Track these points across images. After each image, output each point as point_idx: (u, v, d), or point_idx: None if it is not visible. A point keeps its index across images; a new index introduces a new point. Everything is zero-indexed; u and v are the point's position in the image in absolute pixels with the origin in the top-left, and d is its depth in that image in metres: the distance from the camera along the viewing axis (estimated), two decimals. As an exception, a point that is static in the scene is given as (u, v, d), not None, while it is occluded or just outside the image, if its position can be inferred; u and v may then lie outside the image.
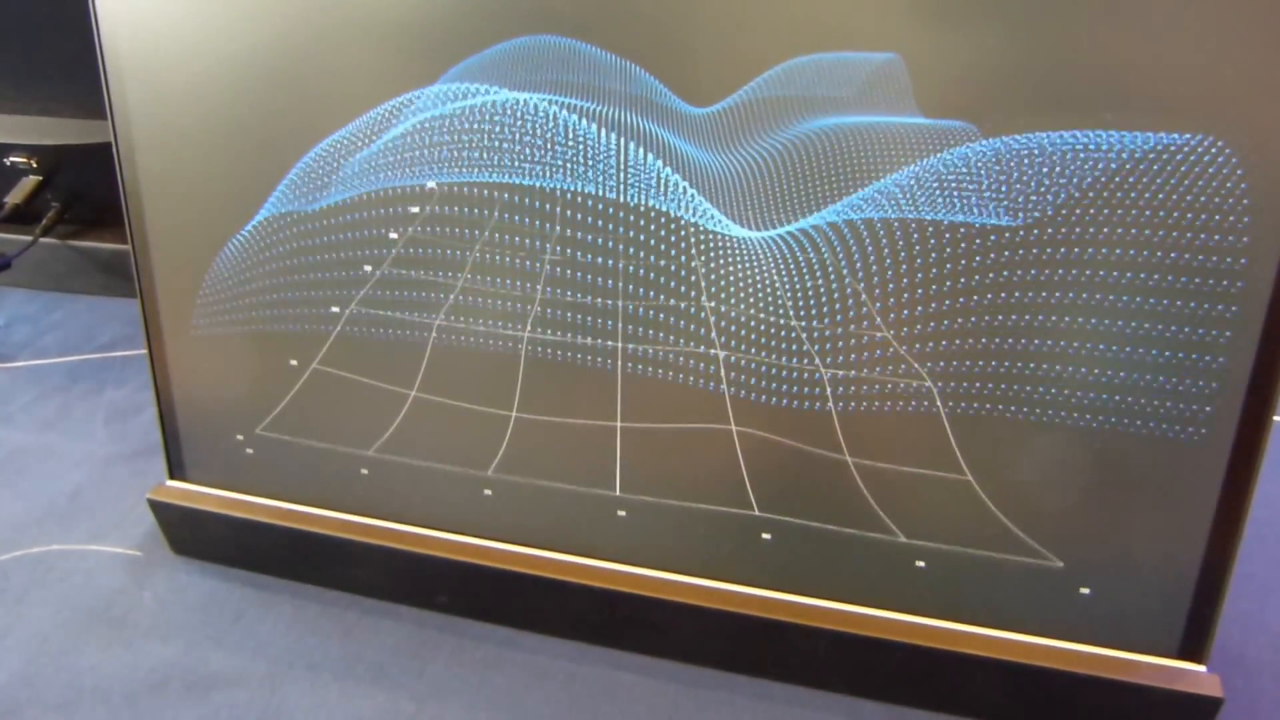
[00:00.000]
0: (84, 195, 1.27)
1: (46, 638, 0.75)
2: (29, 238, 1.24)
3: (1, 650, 0.74)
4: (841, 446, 0.60)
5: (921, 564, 0.62)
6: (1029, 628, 0.62)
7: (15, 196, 1.23)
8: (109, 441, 0.98)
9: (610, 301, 0.63)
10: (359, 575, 0.76)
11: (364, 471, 0.73)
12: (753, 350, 0.61)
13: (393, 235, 0.67)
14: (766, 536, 0.65)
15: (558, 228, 0.62)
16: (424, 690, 0.70)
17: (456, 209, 0.65)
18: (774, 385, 0.61)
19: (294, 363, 0.72)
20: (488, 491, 0.70)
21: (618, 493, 0.67)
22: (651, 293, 0.62)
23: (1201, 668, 0.60)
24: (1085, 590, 0.60)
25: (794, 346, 0.60)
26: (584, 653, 0.72)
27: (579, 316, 0.64)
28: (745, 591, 0.67)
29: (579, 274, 0.63)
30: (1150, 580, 0.59)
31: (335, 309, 0.70)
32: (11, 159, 1.21)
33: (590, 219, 0.62)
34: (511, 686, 0.70)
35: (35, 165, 1.24)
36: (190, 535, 0.81)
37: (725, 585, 0.67)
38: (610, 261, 0.62)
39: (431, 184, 0.65)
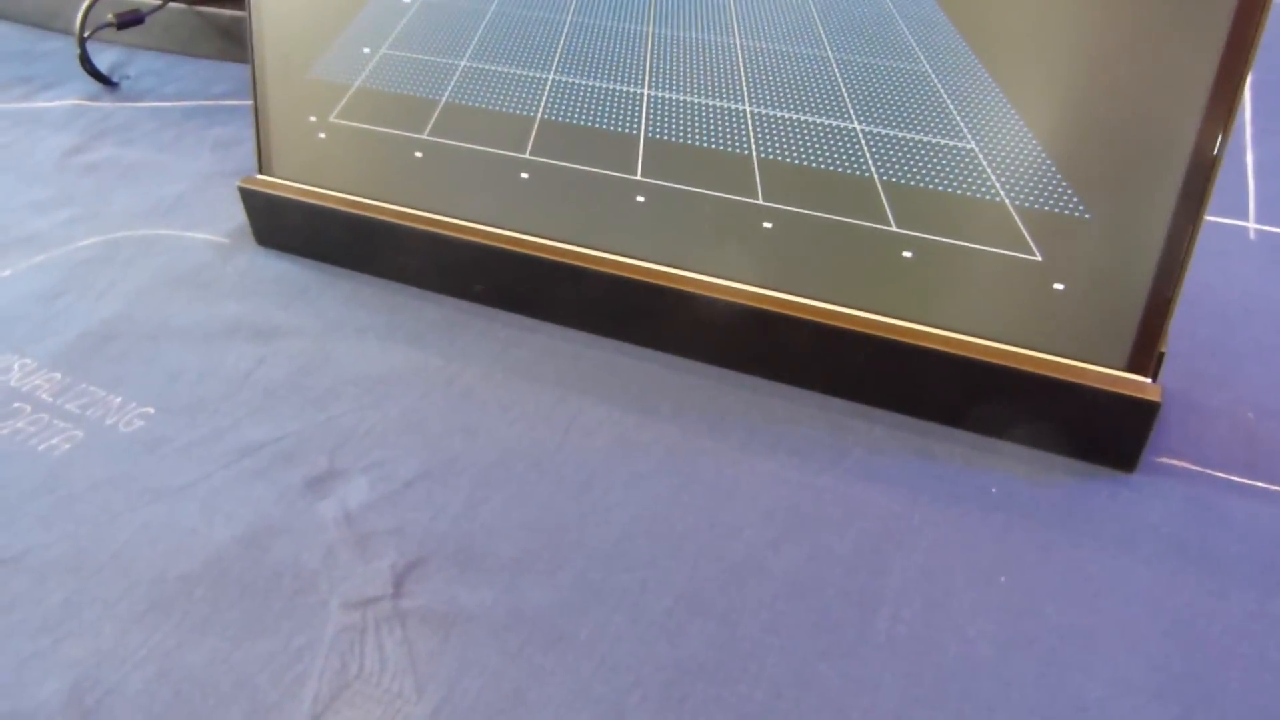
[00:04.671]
0: (212, -33, 1.45)
1: (144, 291, 0.94)
2: (160, 0, 1.43)
3: (110, 297, 0.93)
4: (850, 113, 0.69)
5: (908, 254, 0.71)
6: (997, 330, 0.70)
7: (150, -41, 1.42)
8: (212, 163, 1.16)
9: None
10: (409, 263, 0.90)
11: (418, 155, 0.86)
12: (767, 39, 0.71)
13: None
14: (767, 225, 0.75)
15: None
16: (453, 353, 0.84)
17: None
18: (786, 65, 0.71)
19: (366, 50, 0.86)
20: (524, 175, 0.82)
21: (639, 176, 0.78)
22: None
23: (1147, 379, 0.67)
24: (1059, 286, 0.68)
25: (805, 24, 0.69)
26: (594, 340, 0.85)
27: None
28: (741, 286, 0.77)
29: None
30: (1112, 287, 0.66)
31: (407, 0, 0.83)
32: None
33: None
34: (527, 358, 0.83)
35: (170, -70, 1.43)
36: (271, 224, 0.97)
37: (724, 281, 0.77)
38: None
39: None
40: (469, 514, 0.68)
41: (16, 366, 0.83)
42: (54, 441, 0.75)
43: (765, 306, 0.76)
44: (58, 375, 0.82)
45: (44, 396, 0.80)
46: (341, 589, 0.63)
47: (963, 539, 0.67)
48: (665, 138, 0.76)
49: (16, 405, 0.79)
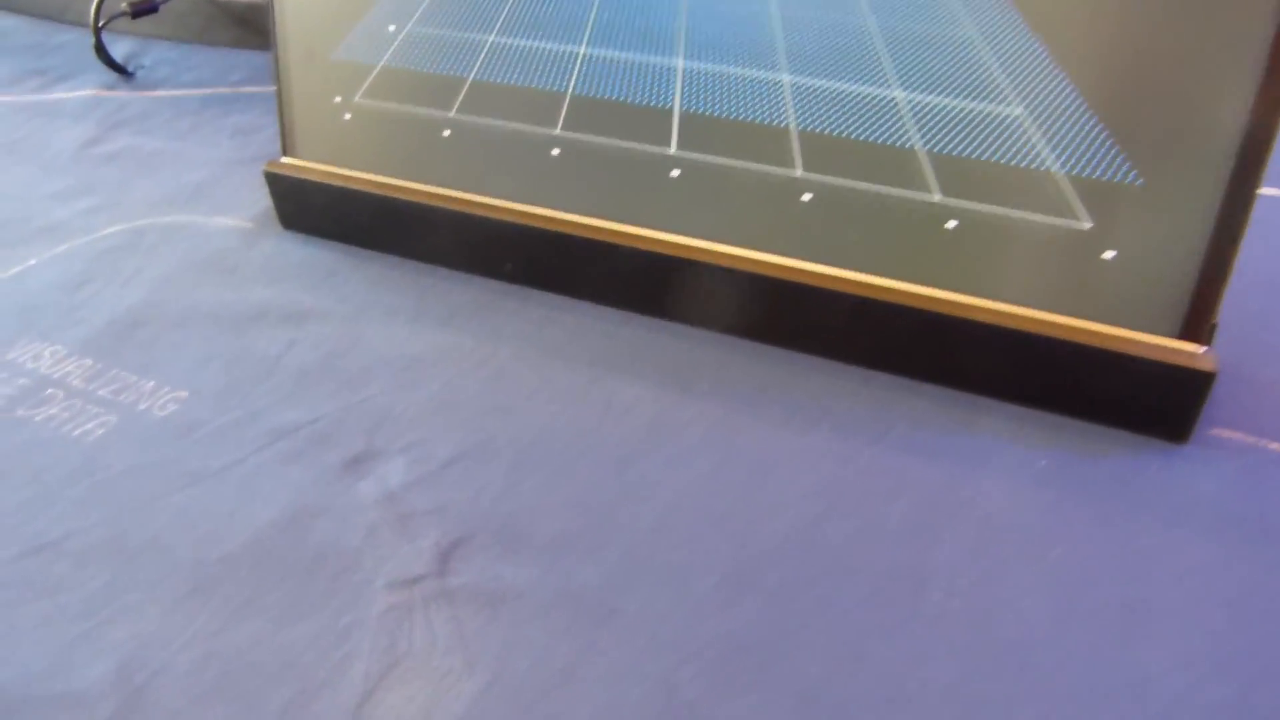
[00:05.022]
0: (225, -46, 1.45)
1: (170, 277, 0.93)
2: (175, -11, 1.43)
3: (136, 284, 0.93)
4: (892, 80, 0.68)
5: (952, 224, 0.70)
6: (1044, 300, 0.69)
7: (164, -53, 1.42)
8: (232, 149, 1.16)
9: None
10: (438, 243, 0.90)
11: (446, 133, 0.86)
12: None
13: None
14: (806, 198, 0.74)
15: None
16: (485, 333, 0.84)
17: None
18: (825, 33, 0.70)
19: (391, 28, 0.85)
20: (555, 151, 0.81)
21: (672, 150, 0.77)
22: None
23: (1200, 348, 0.66)
24: (1109, 254, 0.67)
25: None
26: (627, 318, 0.84)
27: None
28: (779, 260, 0.76)
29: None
30: (1164, 254, 0.65)
31: (433, -24, 0.83)
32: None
33: None
34: (561, 337, 0.83)
35: (183, -83, 1.42)
36: (296, 208, 0.97)
37: (762, 255, 0.77)
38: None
39: None
40: (510, 493, 0.68)
41: (47, 354, 0.83)
42: (88, 427, 0.75)
43: (804, 280, 0.75)
44: (88, 361, 0.82)
45: (76, 382, 0.80)
46: (386, 568, 0.63)
47: (1013, 512, 0.66)
48: (701, 110, 0.76)
49: (49, 391, 0.79)
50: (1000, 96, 0.67)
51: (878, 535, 0.64)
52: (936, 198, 0.70)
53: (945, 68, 0.68)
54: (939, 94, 0.68)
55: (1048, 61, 0.65)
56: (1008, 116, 0.67)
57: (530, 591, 0.61)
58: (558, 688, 0.55)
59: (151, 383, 0.80)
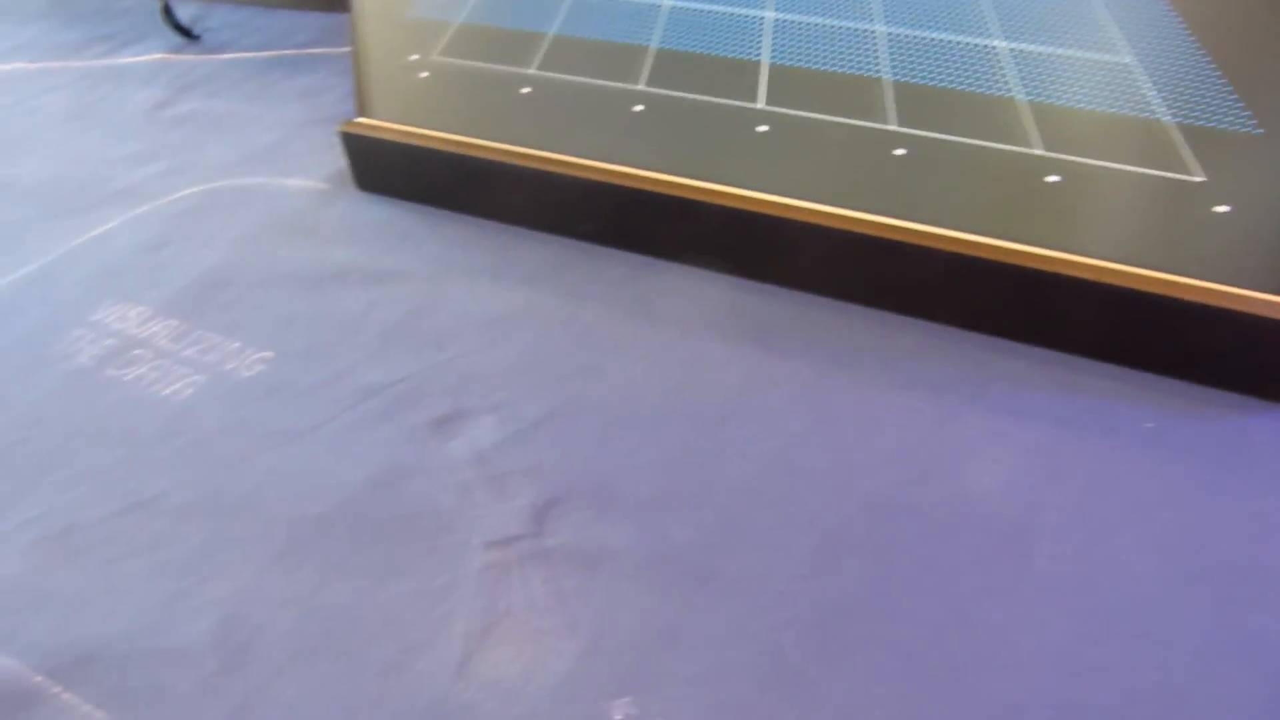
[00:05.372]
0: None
1: (248, 238, 0.94)
2: (237, -49, 1.43)
3: (215, 245, 0.93)
4: (992, 28, 0.66)
5: (1054, 178, 0.68)
6: (1151, 257, 0.67)
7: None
8: (301, 111, 1.16)
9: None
10: (515, 202, 0.89)
11: (525, 91, 0.84)
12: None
13: None
14: (900, 152, 0.72)
15: None
16: (567, 293, 0.83)
17: None
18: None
19: (470, -17, 0.84)
20: (638, 107, 0.80)
21: (760, 105, 0.75)
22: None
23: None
24: (1222, 209, 0.64)
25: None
26: (712, 278, 0.83)
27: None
28: (871, 218, 0.74)
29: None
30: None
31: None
32: None
33: None
34: (645, 296, 0.82)
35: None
36: (372, 169, 0.96)
37: (853, 212, 0.75)
38: None
39: None
40: (602, 452, 0.67)
41: (133, 314, 0.84)
42: (177, 386, 0.76)
43: (897, 238, 0.73)
44: (174, 322, 0.82)
45: (162, 342, 0.80)
46: (481, 528, 0.62)
47: (1119, 474, 0.64)
48: (790, 63, 0.74)
49: (137, 352, 0.79)
50: (1108, 44, 0.64)
51: (979, 497, 0.63)
52: (1038, 151, 0.68)
53: (1050, 15, 0.65)
54: (1042, 42, 0.66)
55: (1162, 4, 0.62)
56: (1116, 64, 0.64)
57: (626, 552, 0.60)
58: (660, 649, 0.55)
59: (237, 343, 0.80)
